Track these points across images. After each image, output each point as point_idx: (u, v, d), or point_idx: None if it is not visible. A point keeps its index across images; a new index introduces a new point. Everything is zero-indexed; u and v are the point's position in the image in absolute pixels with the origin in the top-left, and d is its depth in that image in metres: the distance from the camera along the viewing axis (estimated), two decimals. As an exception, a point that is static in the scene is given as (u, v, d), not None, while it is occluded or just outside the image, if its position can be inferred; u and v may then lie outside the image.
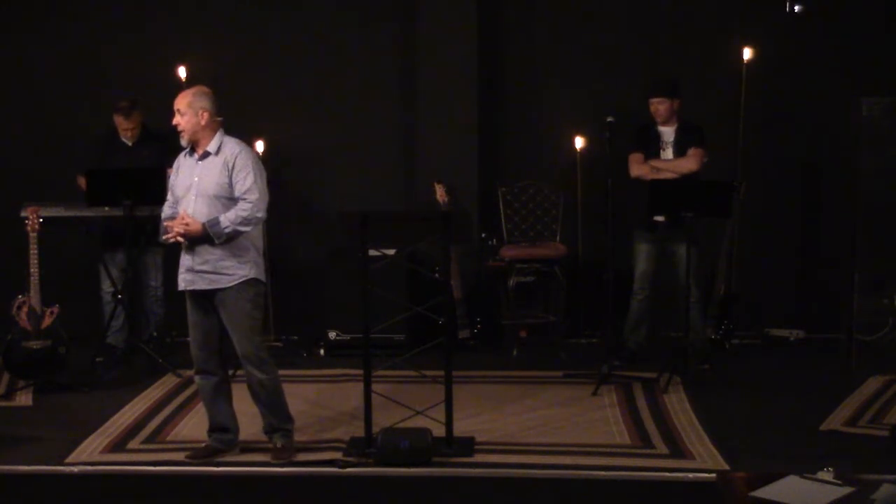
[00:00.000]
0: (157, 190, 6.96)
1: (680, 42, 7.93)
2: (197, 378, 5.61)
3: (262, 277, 5.54)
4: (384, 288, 6.12)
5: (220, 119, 5.50)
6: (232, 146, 5.46)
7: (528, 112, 8.17)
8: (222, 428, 5.63)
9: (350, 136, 8.09)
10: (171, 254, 7.54)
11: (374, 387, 5.63)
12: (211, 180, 5.41)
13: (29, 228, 6.70)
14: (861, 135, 7.04)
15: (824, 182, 8.03)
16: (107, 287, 7.40)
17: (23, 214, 6.79)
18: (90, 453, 5.68)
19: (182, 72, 7.76)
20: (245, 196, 5.38)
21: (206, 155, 5.46)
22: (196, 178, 5.44)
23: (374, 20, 8.11)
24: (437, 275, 6.69)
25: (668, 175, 7.05)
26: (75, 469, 5.46)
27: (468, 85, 7.89)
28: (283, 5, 8.13)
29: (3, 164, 8.08)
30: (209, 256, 5.39)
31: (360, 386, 5.65)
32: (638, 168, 7.16)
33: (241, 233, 5.39)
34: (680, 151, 7.16)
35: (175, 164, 5.61)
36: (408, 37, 8.04)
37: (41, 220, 6.74)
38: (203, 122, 5.41)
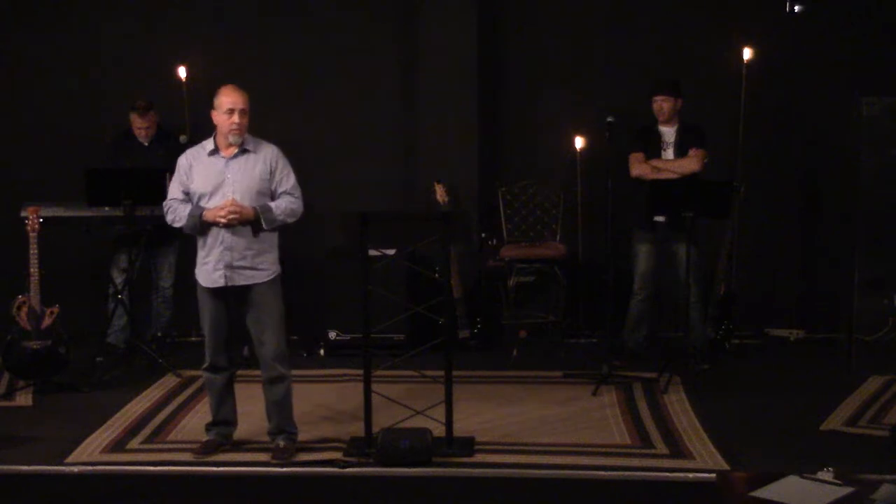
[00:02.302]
0: (157, 190, 6.98)
1: (680, 42, 7.93)
2: (208, 373, 5.62)
3: None
4: (384, 288, 6.12)
5: None
6: (265, 145, 5.57)
7: (528, 112, 8.17)
8: (226, 422, 5.66)
9: (350, 136, 8.09)
10: (185, 255, 7.59)
11: (374, 387, 5.63)
12: (253, 177, 5.46)
13: (29, 228, 6.69)
14: (861, 135, 7.04)
15: (824, 182, 8.03)
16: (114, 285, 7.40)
17: (23, 214, 6.79)
18: (90, 453, 5.68)
19: (182, 72, 7.76)
20: (291, 192, 5.52)
21: (241, 153, 5.47)
22: (228, 176, 5.44)
23: (374, 20, 8.12)
24: (437, 275, 6.69)
25: (669, 175, 7.05)
26: (75, 469, 5.46)
27: (468, 85, 7.89)
28: (283, 5, 8.14)
29: (3, 164, 8.08)
30: (247, 252, 5.45)
31: (360, 386, 5.66)
32: (639, 167, 7.15)
33: (285, 225, 5.52)
34: (681, 152, 7.15)
35: (184, 163, 5.52)
36: (408, 37, 8.05)
37: (41, 220, 6.73)
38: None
